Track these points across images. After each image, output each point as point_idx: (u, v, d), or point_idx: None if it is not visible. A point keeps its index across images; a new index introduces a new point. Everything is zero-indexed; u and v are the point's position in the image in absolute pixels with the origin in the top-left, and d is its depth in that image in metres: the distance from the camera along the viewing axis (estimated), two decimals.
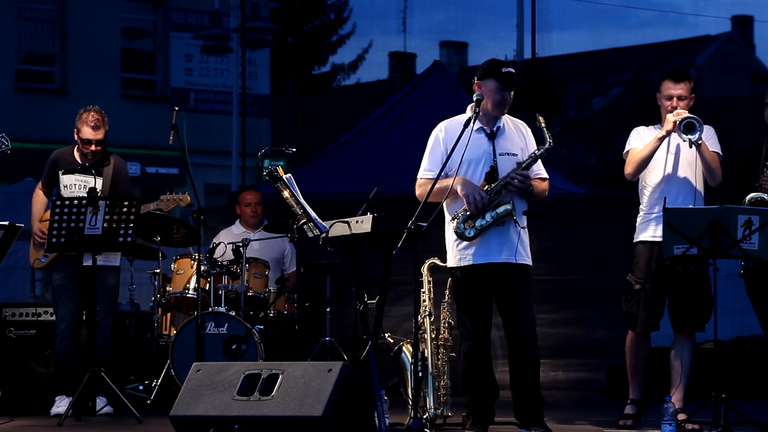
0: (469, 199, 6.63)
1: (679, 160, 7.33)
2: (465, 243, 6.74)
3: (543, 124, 6.71)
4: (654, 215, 7.40)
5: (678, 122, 7.17)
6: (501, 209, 6.63)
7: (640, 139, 7.48)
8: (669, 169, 7.38)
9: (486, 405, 6.86)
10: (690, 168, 7.30)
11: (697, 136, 7.14)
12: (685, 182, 7.35)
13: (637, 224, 7.52)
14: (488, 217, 6.66)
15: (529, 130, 6.92)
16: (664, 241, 6.97)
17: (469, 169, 6.76)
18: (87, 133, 8.39)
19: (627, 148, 7.54)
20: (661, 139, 7.29)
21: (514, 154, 6.76)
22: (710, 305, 7.37)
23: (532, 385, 6.79)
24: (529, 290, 6.78)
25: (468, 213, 6.67)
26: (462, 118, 6.81)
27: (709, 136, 7.38)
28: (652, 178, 7.40)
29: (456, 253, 6.81)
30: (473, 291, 6.79)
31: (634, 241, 7.51)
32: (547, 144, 6.69)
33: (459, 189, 6.66)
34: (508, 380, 6.87)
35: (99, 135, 8.39)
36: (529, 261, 6.79)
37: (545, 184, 6.89)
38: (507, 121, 6.86)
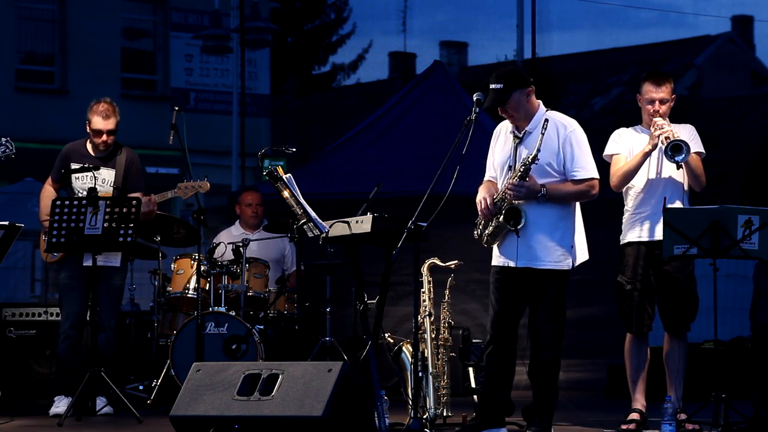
0: (478, 207, 6.70)
1: (663, 161, 7.32)
2: (495, 245, 6.83)
3: (543, 128, 6.65)
4: (639, 216, 7.40)
5: (665, 146, 7.16)
6: (501, 218, 6.65)
7: (621, 143, 7.47)
8: (653, 170, 7.38)
9: (491, 408, 6.86)
10: (674, 167, 7.28)
11: (683, 157, 7.14)
12: (670, 181, 7.34)
13: (622, 225, 7.51)
14: (492, 225, 6.72)
15: (570, 130, 6.76)
16: (664, 241, 6.97)
17: (498, 172, 6.87)
18: (97, 123, 8.39)
19: (608, 152, 7.51)
20: (647, 154, 7.28)
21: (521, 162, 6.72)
22: (696, 305, 7.38)
23: (541, 386, 6.81)
24: (545, 294, 6.73)
25: (483, 220, 6.78)
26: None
27: (691, 137, 7.38)
28: (636, 179, 7.40)
29: (493, 252, 6.91)
30: (500, 290, 6.83)
31: (621, 242, 7.50)
32: (534, 152, 6.60)
33: (478, 195, 6.80)
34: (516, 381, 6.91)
35: (110, 125, 8.39)
36: (544, 265, 6.70)
37: (580, 186, 6.74)
38: (545, 123, 6.69)
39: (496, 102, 6.71)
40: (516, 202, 6.63)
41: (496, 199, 6.70)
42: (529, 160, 6.61)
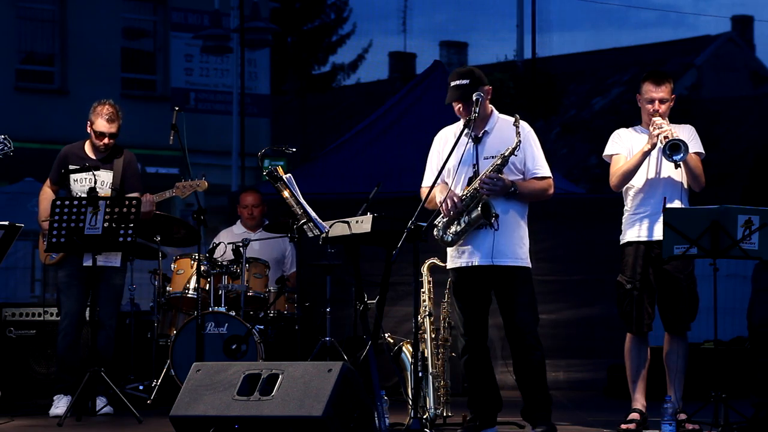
0: (442, 206, 6.66)
1: (662, 160, 7.32)
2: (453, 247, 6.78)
3: (516, 123, 6.69)
4: (639, 216, 7.40)
5: (663, 145, 7.17)
6: (473, 214, 6.63)
7: (621, 143, 7.48)
8: (652, 170, 7.38)
9: (484, 407, 6.86)
10: (673, 167, 7.28)
11: (681, 156, 7.14)
12: (670, 181, 7.34)
13: (622, 225, 7.52)
14: (462, 222, 6.67)
15: (528, 130, 6.82)
16: (664, 241, 6.97)
17: (454, 174, 6.79)
18: (101, 125, 8.39)
19: (608, 152, 7.53)
20: (646, 153, 7.28)
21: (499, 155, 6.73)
22: (696, 304, 7.38)
23: (536, 386, 6.79)
24: (523, 291, 6.75)
25: (446, 219, 6.70)
26: (458, 124, 6.86)
27: (691, 137, 7.38)
28: (636, 179, 7.40)
29: (449, 255, 6.87)
30: (463, 292, 6.82)
31: (621, 242, 7.51)
32: (514, 143, 6.64)
33: (437, 196, 6.73)
34: (508, 381, 6.87)
35: (113, 128, 8.40)
36: (519, 262, 6.73)
37: (542, 183, 6.82)
38: (500, 123, 6.82)
39: (461, 97, 6.73)
40: (486, 197, 6.62)
41: (464, 197, 6.68)
42: (509, 151, 6.63)
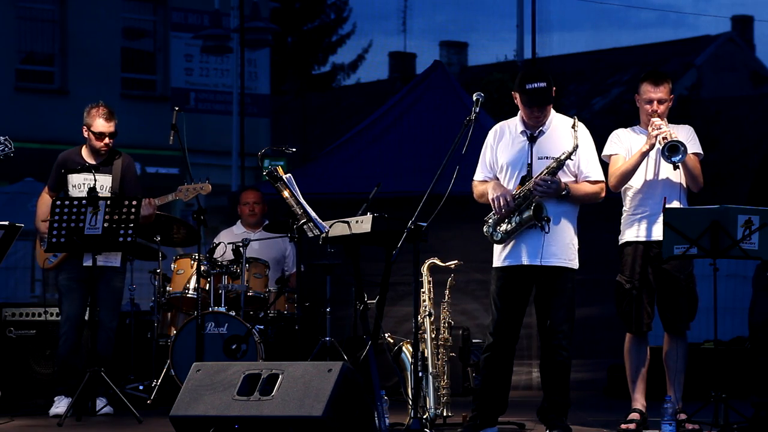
0: (494, 204, 6.66)
1: (660, 161, 7.32)
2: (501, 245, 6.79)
3: (574, 126, 6.68)
4: (638, 216, 7.40)
5: (662, 147, 7.17)
6: (525, 215, 6.64)
7: (620, 143, 7.48)
8: (651, 171, 7.38)
9: (488, 406, 6.85)
10: (671, 167, 7.28)
11: (680, 157, 7.14)
12: (668, 182, 7.35)
13: (621, 226, 7.52)
14: (513, 221, 6.68)
15: (581, 131, 6.81)
16: (664, 241, 6.97)
17: (507, 172, 6.80)
18: (100, 125, 8.37)
19: (607, 152, 7.51)
20: (645, 154, 7.28)
21: (554, 158, 6.72)
22: (695, 304, 7.38)
23: (557, 387, 6.80)
24: (564, 292, 6.75)
25: (497, 217, 6.71)
26: (514, 120, 6.87)
27: (689, 138, 7.38)
28: (634, 179, 7.40)
29: (496, 253, 6.87)
30: (506, 292, 6.81)
31: (620, 242, 7.51)
32: (571, 147, 6.64)
33: (489, 193, 6.72)
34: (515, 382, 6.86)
35: (111, 127, 8.39)
36: (564, 263, 6.73)
37: (594, 187, 6.82)
38: (557, 122, 6.80)
39: (545, 100, 6.73)
40: (538, 198, 6.63)
41: (517, 196, 6.69)
42: (565, 156, 6.64)
